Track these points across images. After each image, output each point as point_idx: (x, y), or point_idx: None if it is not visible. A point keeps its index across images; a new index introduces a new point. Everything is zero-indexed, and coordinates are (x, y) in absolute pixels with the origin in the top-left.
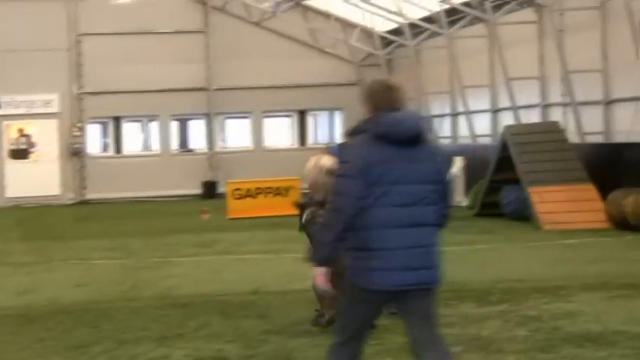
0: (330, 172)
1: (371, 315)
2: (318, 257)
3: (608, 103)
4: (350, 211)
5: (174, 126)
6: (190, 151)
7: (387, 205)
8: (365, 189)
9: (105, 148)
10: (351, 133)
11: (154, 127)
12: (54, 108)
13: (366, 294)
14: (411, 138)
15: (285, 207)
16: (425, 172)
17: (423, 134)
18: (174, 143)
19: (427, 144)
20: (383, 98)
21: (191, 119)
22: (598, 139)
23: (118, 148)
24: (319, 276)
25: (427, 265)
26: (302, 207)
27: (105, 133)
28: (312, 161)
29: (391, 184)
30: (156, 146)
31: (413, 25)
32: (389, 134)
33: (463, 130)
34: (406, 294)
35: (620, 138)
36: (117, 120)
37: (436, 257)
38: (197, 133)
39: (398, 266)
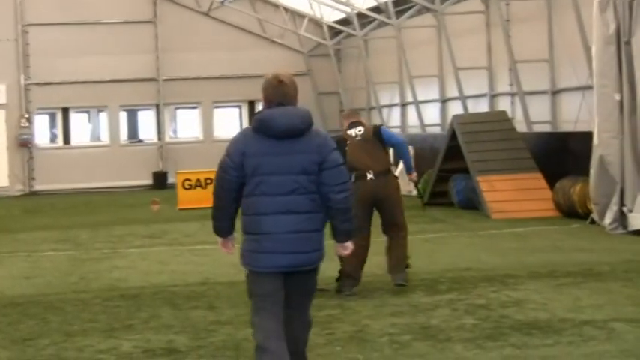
0: None
1: (271, 291)
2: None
3: (555, 92)
4: (224, 199)
5: (123, 117)
6: (140, 141)
7: (264, 194)
8: (239, 181)
9: (53, 139)
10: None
11: (103, 117)
12: (1, 99)
13: (255, 274)
14: (287, 133)
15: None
16: (300, 164)
17: (301, 129)
18: (124, 134)
19: (312, 137)
20: (272, 92)
21: (140, 110)
22: (545, 128)
23: (66, 139)
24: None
25: (303, 249)
26: None
27: (53, 124)
28: None
29: (266, 174)
30: (105, 137)
31: (361, 15)
32: (262, 129)
33: (412, 119)
34: (288, 274)
35: (566, 127)
36: (65, 111)
37: (314, 242)
38: (146, 124)
39: (274, 250)
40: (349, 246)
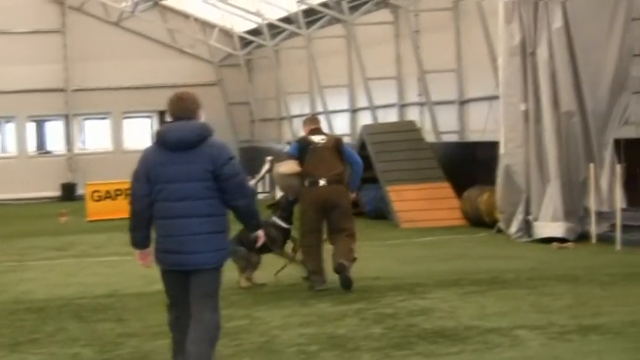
0: (291, 176)
1: (173, 287)
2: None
3: (463, 102)
4: (137, 206)
5: (31, 127)
6: (48, 152)
7: (164, 200)
8: (148, 188)
9: None
10: None
11: (10, 128)
12: None
13: (163, 272)
14: (179, 145)
15: None
16: (195, 172)
17: (192, 142)
18: (32, 145)
19: (206, 148)
20: (173, 108)
21: (49, 120)
22: (453, 137)
23: None
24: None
25: (201, 249)
26: (274, 206)
27: None
28: (276, 168)
29: (166, 182)
30: (12, 148)
31: (271, 26)
32: (160, 142)
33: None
34: (192, 273)
35: (474, 137)
36: None
37: (212, 243)
38: (55, 135)
39: (174, 250)
40: (260, 234)
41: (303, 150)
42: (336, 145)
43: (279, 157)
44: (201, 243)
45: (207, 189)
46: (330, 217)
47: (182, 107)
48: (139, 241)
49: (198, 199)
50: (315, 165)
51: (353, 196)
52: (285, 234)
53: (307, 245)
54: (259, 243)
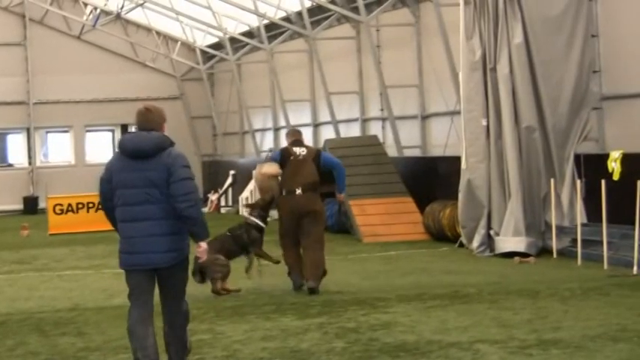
0: (272, 177)
1: (136, 285)
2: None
3: (425, 117)
4: (105, 209)
5: None
6: (10, 165)
7: (123, 204)
8: (111, 193)
9: None
10: None
11: None
12: None
13: (125, 271)
14: (135, 153)
15: (105, 222)
16: (151, 179)
17: (148, 151)
18: None
19: (163, 157)
20: (138, 119)
21: (10, 133)
22: (415, 152)
23: None
24: None
25: (156, 250)
26: (252, 206)
27: None
28: (258, 169)
29: (125, 188)
30: None
31: (234, 40)
32: (121, 150)
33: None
34: (156, 272)
35: (436, 152)
36: None
37: (165, 244)
38: (17, 148)
39: (132, 251)
40: (202, 245)
41: (284, 159)
42: (315, 157)
43: (262, 162)
44: (155, 244)
45: (162, 194)
46: (303, 221)
47: (148, 118)
48: None
49: (153, 203)
50: (292, 176)
51: (342, 197)
52: (262, 234)
53: (285, 244)
54: (202, 258)
